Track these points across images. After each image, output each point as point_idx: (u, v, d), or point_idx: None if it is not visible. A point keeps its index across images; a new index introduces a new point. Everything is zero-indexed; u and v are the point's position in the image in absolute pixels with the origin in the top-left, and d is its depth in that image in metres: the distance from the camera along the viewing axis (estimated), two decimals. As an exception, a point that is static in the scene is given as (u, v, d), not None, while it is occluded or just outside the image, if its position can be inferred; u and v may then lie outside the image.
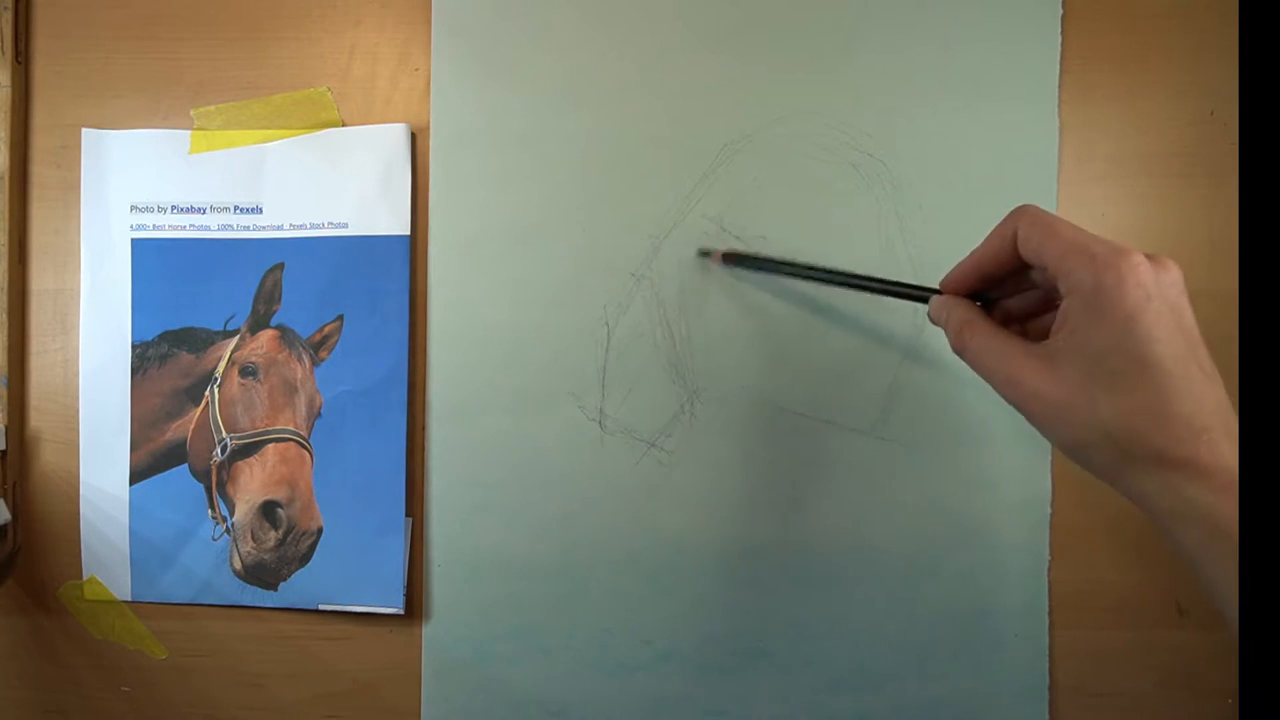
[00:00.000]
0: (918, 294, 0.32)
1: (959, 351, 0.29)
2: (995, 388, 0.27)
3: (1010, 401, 0.27)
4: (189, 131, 0.44)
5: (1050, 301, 0.29)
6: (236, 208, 0.44)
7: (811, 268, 0.39)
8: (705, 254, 0.42)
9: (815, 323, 0.42)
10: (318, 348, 0.43)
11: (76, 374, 0.44)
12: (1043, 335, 0.27)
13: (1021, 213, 0.28)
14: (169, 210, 0.44)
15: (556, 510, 0.43)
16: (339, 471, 0.43)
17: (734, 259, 0.41)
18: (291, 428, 0.43)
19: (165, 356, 0.44)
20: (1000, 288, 0.30)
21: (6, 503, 0.43)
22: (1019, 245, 0.27)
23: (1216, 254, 0.42)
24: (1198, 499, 0.24)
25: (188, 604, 0.44)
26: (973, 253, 0.30)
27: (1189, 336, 0.25)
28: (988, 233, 0.29)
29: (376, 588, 0.43)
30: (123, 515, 0.44)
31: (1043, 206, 0.41)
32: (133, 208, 0.44)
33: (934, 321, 0.31)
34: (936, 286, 0.31)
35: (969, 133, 0.42)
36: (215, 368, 0.44)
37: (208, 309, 0.44)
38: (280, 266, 0.43)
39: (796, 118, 0.42)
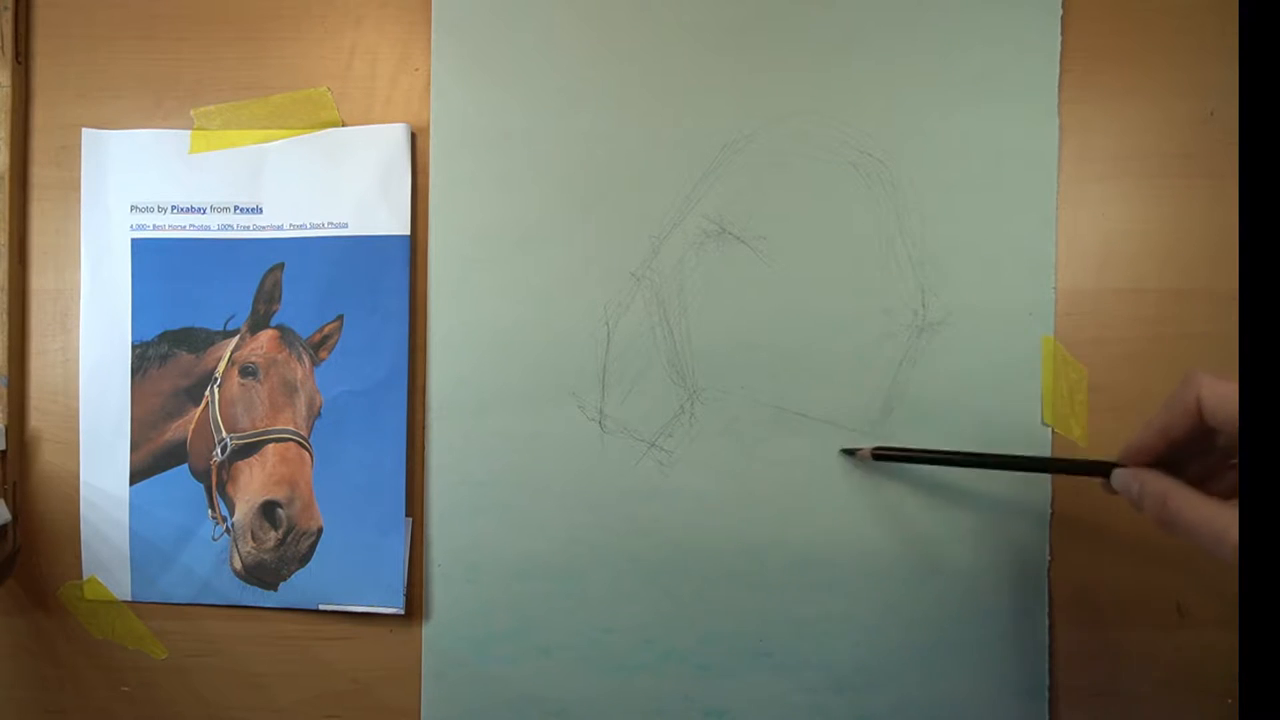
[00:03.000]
0: (1098, 469, 0.33)
1: (1163, 523, 0.29)
2: (1207, 549, 0.28)
3: (1226, 558, 0.27)
4: (189, 131, 0.44)
5: (1228, 458, 0.30)
6: (236, 208, 0.44)
7: (978, 455, 0.39)
8: (849, 453, 0.41)
9: (815, 323, 0.42)
10: (318, 348, 0.43)
11: (76, 374, 0.44)
12: (1227, 492, 0.29)
13: (1199, 381, 0.29)
14: (169, 210, 0.44)
15: (556, 510, 0.43)
16: (339, 471, 0.43)
17: (885, 455, 0.40)
18: (291, 428, 0.43)
19: (165, 356, 0.44)
20: (1182, 452, 0.30)
21: (6, 503, 0.43)
22: (1206, 414, 0.28)
23: (1217, 254, 0.42)
24: None
25: (188, 604, 0.44)
26: (1153, 423, 0.30)
27: None
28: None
29: (376, 588, 0.43)
30: (123, 515, 0.44)
31: (1043, 206, 0.42)
32: (133, 208, 0.44)
33: (1121, 493, 0.31)
34: (1115, 460, 0.32)
35: (969, 133, 0.42)
36: (215, 368, 0.44)
37: (208, 309, 0.44)
38: (280, 266, 0.43)
39: (796, 118, 0.42)
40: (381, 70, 0.44)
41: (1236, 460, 0.27)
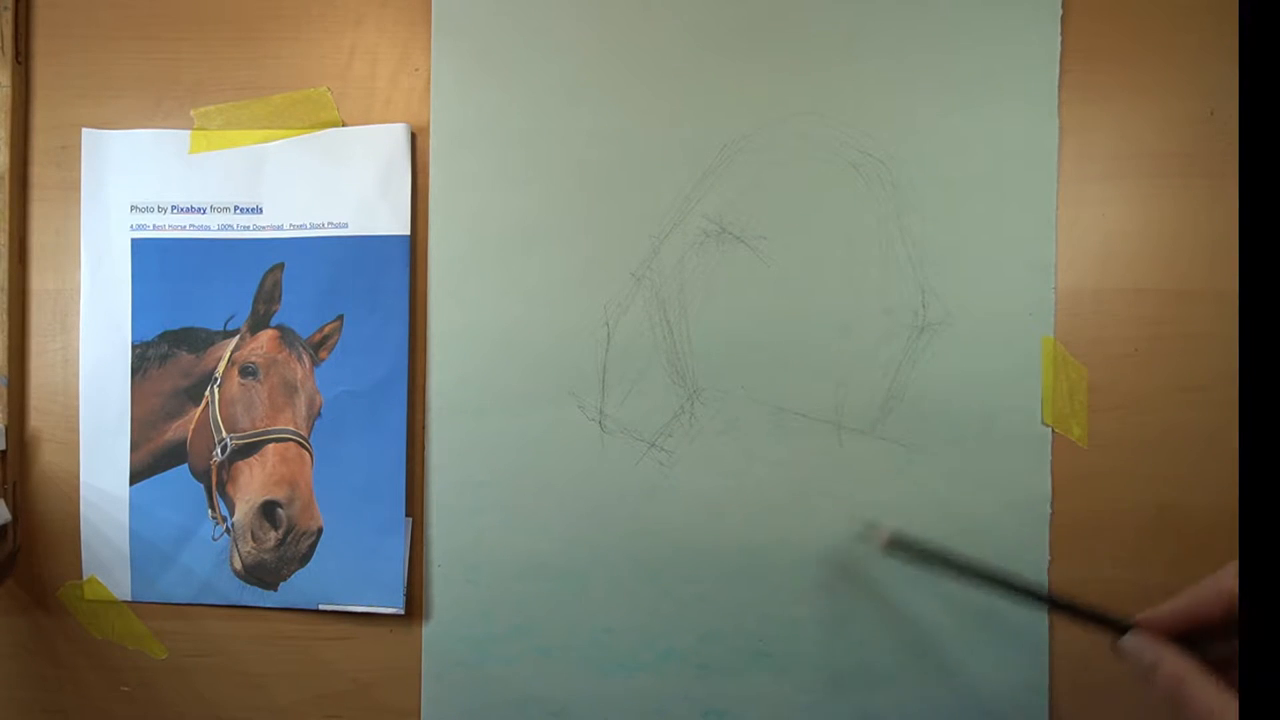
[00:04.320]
0: (1108, 624, 0.31)
1: (1176, 704, 0.28)
2: None
3: None
4: (189, 131, 0.44)
5: None
6: (236, 208, 0.44)
7: (990, 573, 0.37)
8: (867, 536, 0.41)
9: (815, 323, 0.42)
10: (318, 348, 0.43)
11: (76, 374, 0.44)
12: None
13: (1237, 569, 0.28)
14: (169, 210, 0.44)
15: (556, 510, 0.43)
16: (339, 471, 0.43)
17: (900, 545, 0.40)
18: (291, 428, 0.43)
19: (165, 356, 0.44)
20: (1206, 635, 0.29)
21: (6, 503, 0.43)
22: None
23: (1216, 254, 0.42)
24: None
25: (188, 604, 0.44)
26: (1184, 598, 0.29)
27: None
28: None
29: (376, 588, 0.43)
30: (123, 515, 0.44)
31: (1043, 206, 0.42)
32: (133, 208, 0.44)
33: (1129, 656, 0.30)
34: (1130, 621, 0.31)
35: (969, 133, 0.42)
36: (215, 368, 0.44)
37: (208, 309, 0.44)
38: (280, 266, 0.43)
39: (796, 118, 0.42)
40: (381, 70, 0.44)
41: None
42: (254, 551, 0.43)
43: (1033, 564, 0.42)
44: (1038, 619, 0.42)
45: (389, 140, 0.43)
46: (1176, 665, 0.28)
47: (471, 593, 0.43)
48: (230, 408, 0.43)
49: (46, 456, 0.45)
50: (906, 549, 0.40)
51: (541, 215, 0.43)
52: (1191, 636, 0.29)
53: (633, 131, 0.42)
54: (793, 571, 0.42)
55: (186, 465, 0.44)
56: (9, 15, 0.43)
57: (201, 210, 0.44)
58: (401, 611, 0.43)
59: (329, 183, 0.43)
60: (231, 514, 0.43)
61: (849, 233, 0.42)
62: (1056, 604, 0.34)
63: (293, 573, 0.43)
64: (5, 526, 0.43)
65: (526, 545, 0.43)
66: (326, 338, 0.43)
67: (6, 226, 0.43)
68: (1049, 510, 0.42)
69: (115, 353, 0.44)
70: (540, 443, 0.43)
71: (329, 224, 0.43)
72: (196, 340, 0.44)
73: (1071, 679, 0.42)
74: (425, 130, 0.43)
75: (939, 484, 0.42)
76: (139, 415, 0.44)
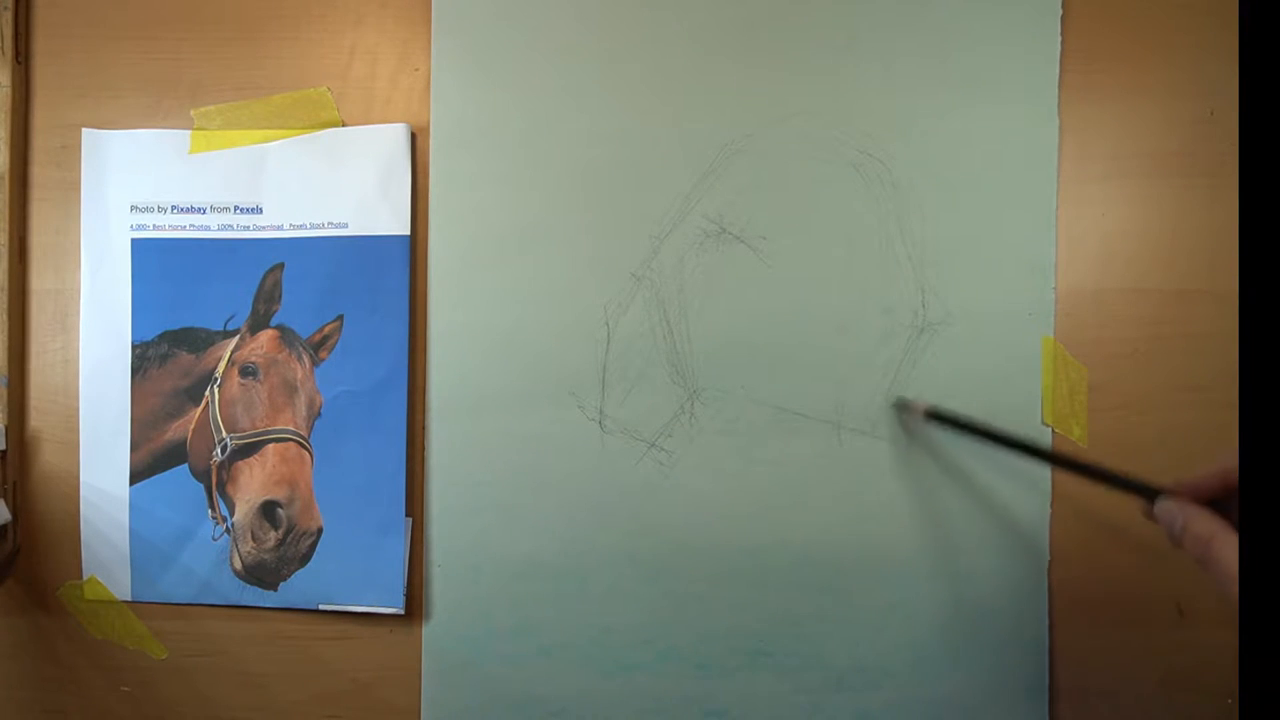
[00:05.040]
0: (1141, 489, 0.32)
1: (1202, 562, 0.28)
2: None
3: None
4: (189, 131, 0.44)
5: None
6: (236, 208, 0.44)
7: (1026, 442, 0.38)
8: (903, 406, 0.41)
9: (815, 323, 0.42)
10: (318, 348, 0.43)
11: (76, 374, 0.44)
12: None
13: None
14: (169, 210, 0.44)
15: (556, 510, 0.43)
16: (339, 471, 0.43)
17: (937, 416, 0.40)
18: (291, 428, 0.43)
19: (165, 356, 0.44)
20: (1235, 499, 0.29)
21: (6, 503, 0.43)
22: None
23: (1217, 254, 0.42)
24: None
25: (188, 604, 0.44)
26: (1214, 465, 0.29)
27: None
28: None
29: (376, 588, 0.43)
30: (123, 515, 0.44)
31: (1043, 206, 0.42)
32: (133, 208, 0.44)
33: (1162, 521, 0.31)
34: (1161, 487, 0.31)
35: (969, 133, 0.42)
36: (215, 368, 0.44)
37: (208, 309, 0.44)
38: (280, 266, 0.43)
39: (796, 118, 0.42)
40: (381, 70, 0.44)
41: None
42: (254, 551, 0.43)
43: (1033, 564, 0.42)
44: (1037, 619, 0.42)
45: (389, 140, 0.43)
46: (1204, 526, 0.28)
47: (471, 593, 0.43)
48: (230, 408, 0.43)
49: (46, 456, 0.45)
50: (943, 419, 0.40)
51: (541, 215, 0.43)
52: (1221, 502, 0.29)
53: (633, 131, 0.42)
54: (793, 571, 0.42)
55: (186, 465, 0.44)
56: (9, 15, 0.43)
57: (201, 210, 0.44)
58: (401, 611, 0.43)
59: (329, 183, 0.43)
60: (231, 514, 0.43)
61: (849, 233, 0.42)
62: (1092, 471, 0.35)
63: (293, 573, 0.43)
64: (5, 526, 0.43)
65: (526, 545, 0.43)
66: (326, 338, 0.43)
67: (6, 226, 0.43)
68: (1049, 511, 0.42)
69: (115, 353, 0.44)
70: (540, 442, 0.43)
71: (329, 224, 0.43)
72: (196, 340, 0.44)
73: (1071, 679, 0.42)
74: (425, 130, 0.43)
75: (939, 484, 0.42)
76: (139, 415, 0.44)
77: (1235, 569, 0.26)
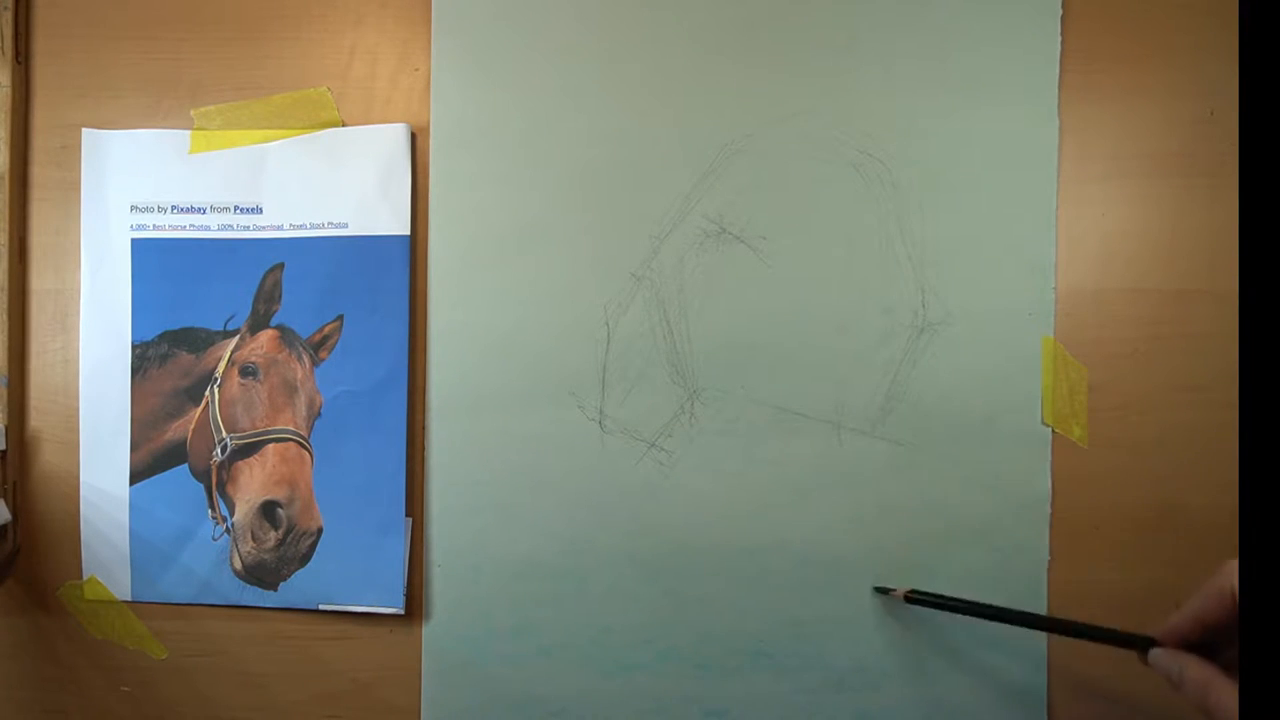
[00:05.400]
0: (1133, 642, 0.33)
1: (1205, 711, 0.29)
2: None
3: None
4: (189, 131, 0.44)
5: None
6: (236, 208, 0.44)
7: (1009, 611, 0.38)
8: (884, 591, 0.41)
9: (815, 323, 0.42)
10: (318, 348, 0.43)
11: (76, 374, 0.44)
12: None
13: (1232, 568, 0.29)
14: (169, 210, 0.44)
15: (556, 510, 0.43)
16: (339, 471, 0.43)
17: (917, 599, 0.40)
18: (291, 428, 0.43)
19: (165, 356, 0.44)
20: (1217, 638, 0.30)
21: (6, 503, 0.43)
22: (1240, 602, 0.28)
23: (1216, 254, 0.42)
24: None
25: (188, 604, 0.44)
26: (1189, 606, 0.30)
27: None
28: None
29: (376, 588, 0.43)
30: (123, 515, 0.44)
31: (1043, 206, 0.42)
32: (133, 208, 0.44)
33: (1158, 670, 0.32)
34: (1150, 636, 0.32)
35: (969, 133, 0.42)
36: (215, 368, 0.44)
37: (208, 309, 0.44)
38: (280, 266, 0.43)
39: (796, 118, 0.42)
40: (381, 70, 0.44)
41: None
42: (254, 551, 0.43)
43: (1033, 564, 0.42)
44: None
45: (389, 140, 0.43)
46: (1199, 673, 0.29)
47: (471, 593, 0.43)
48: (230, 408, 0.43)
49: (46, 456, 0.45)
50: (924, 601, 0.40)
51: (541, 215, 0.43)
52: (1208, 641, 0.30)
53: (633, 131, 0.42)
54: (793, 571, 0.42)
55: (186, 465, 0.44)
56: (9, 15, 0.43)
57: (201, 210, 0.44)
58: (401, 611, 0.43)
59: (329, 183, 0.43)
60: (231, 514, 0.43)
61: (849, 233, 0.42)
62: (1077, 631, 0.36)
63: (293, 573, 0.43)
64: (5, 526, 0.43)
65: (526, 545, 0.43)
66: (326, 338, 0.43)
67: (6, 226, 0.43)
68: (1049, 510, 0.42)
69: (115, 353, 0.44)
70: (540, 442, 0.43)
71: (329, 224, 0.43)
72: (196, 340, 0.44)
73: (1070, 680, 0.42)
74: (425, 130, 0.43)
75: (939, 484, 0.42)
76: (139, 415, 0.44)
77: (1234, 712, 0.27)
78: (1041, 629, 0.40)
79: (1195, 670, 0.30)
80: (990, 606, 0.39)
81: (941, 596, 0.40)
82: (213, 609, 0.44)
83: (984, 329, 0.42)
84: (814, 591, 0.42)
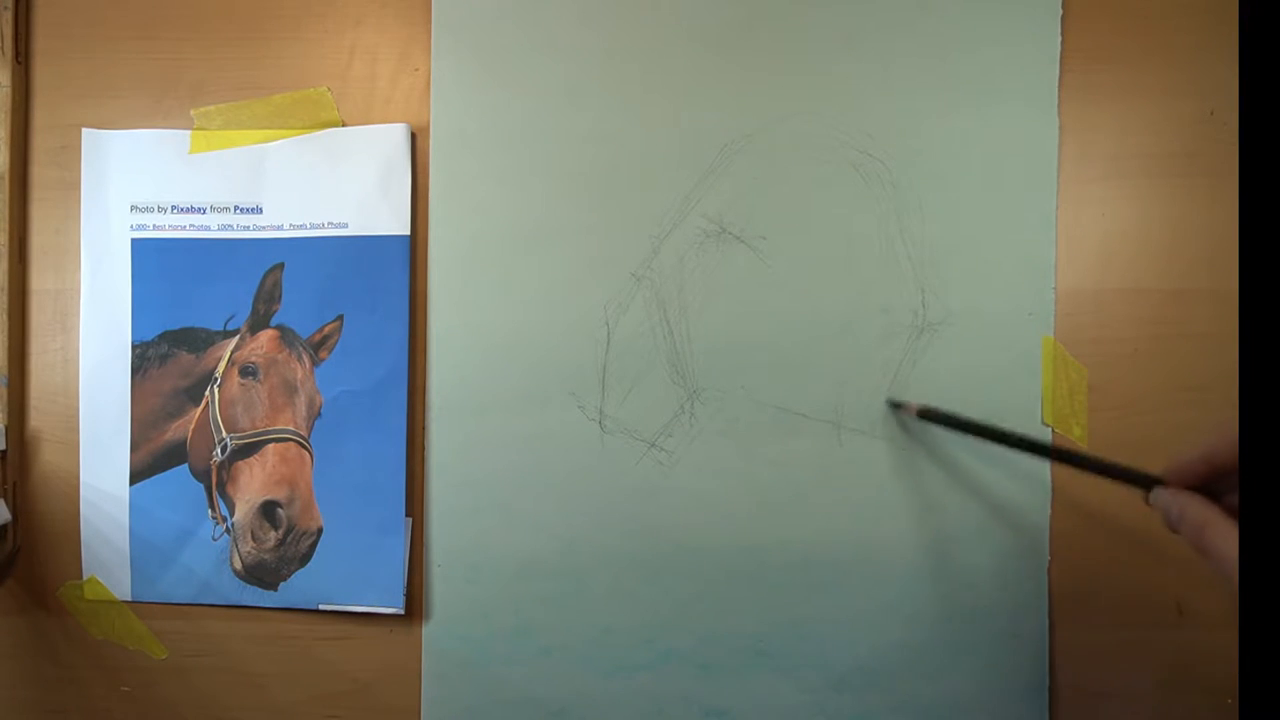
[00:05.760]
0: (1137, 479, 0.33)
1: (1198, 549, 0.29)
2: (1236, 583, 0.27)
3: None
4: (189, 131, 0.44)
5: None
6: (236, 208, 0.44)
7: (1021, 436, 0.37)
8: (897, 406, 0.41)
9: (815, 323, 0.42)
10: (318, 348, 0.43)
11: (76, 374, 0.44)
12: None
13: None
14: (169, 210, 0.44)
15: (556, 510, 0.43)
16: (339, 471, 0.43)
17: (930, 415, 0.40)
18: (291, 428, 0.43)
19: (165, 356, 0.44)
20: (1223, 480, 0.30)
21: (6, 503, 0.43)
22: None
23: (1216, 254, 0.42)
24: None
25: (188, 604, 0.44)
26: (1197, 446, 0.30)
27: None
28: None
29: (376, 588, 0.43)
30: (123, 515, 0.44)
31: (1043, 206, 0.42)
32: (133, 208, 0.44)
33: (1158, 509, 0.31)
34: (1157, 475, 0.31)
35: (969, 133, 0.42)
36: (215, 368, 0.44)
37: (208, 309, 0.44)
38: (280, 266, 0.43)
39: (796, 118, 0.42)
40: (381, 70, 0.44)
41: None
42: (254, 551, 0.43)
43: (1033, 564, 0.42)
44: (1037, 618, 0.42)
45: (389, 140, 0.43)
46: (1198, 513, 0.29)
47: (471, 593, 0.43)
48: (230, 408, 0.43)
49: (46, 456, 0.45)
50: (935, 417, 0.40)
51: (541, 215, 0.43)
52: (1213, 486, 0.30)
53: (633, 131, 0.42)
54: (793, 571, 0.42)
55: (186, 465, 0.44)
56: (9, 15, 0.43)
57: (201, 210, 0.44)
58: (401, 611, 0.43)
59: (329, 183, 0.43)
60: (231, 514, 0.43)
61: (849, 233, 0.42)
62: (1088, 463, 0.35)
63: (293, 573, 0.43)
64: (5, 526, 0.43)
65: (526, 545, 0.43)
66: (326, 338, 0.43)
67: (6, 226, 0.43)
68: (1049, 510, 0.42)
69: (115, 353, 0.44)
70: (540, 442, 0.43)
71: (329, 224, 0.43)
72: (196, 340, 0.44)
73: (1071, 679, 0.42)
74: (425, 130, 0.43)
75: (939, 484, 0.42)
76: (139, 415, 0.44)
77: (1231, 555, 0.26)
78: (1049, 458, 0.39)
79: (1195, 510, 0.29)
80: (997, 429, 0.38)
81: (951, 415, 0.39)
82: (213, 609, 0.44)
83: (984, 329, 0.42)
84: (814, 591, 0.42)
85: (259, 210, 0.44)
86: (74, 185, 0.44)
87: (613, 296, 0.42)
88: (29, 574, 0.45)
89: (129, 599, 0.44)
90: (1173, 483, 0.31)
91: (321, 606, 0.43)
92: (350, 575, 0.43)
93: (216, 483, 0.44)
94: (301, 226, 0.43)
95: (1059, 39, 0.42)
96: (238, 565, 0.43)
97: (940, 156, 0.42)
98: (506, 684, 0.43)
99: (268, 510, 0.43)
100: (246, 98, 0.44)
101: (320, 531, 0.43)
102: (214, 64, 0.44)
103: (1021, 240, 0.42)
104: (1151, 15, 0.42)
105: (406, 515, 0.43)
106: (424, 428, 0.43)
